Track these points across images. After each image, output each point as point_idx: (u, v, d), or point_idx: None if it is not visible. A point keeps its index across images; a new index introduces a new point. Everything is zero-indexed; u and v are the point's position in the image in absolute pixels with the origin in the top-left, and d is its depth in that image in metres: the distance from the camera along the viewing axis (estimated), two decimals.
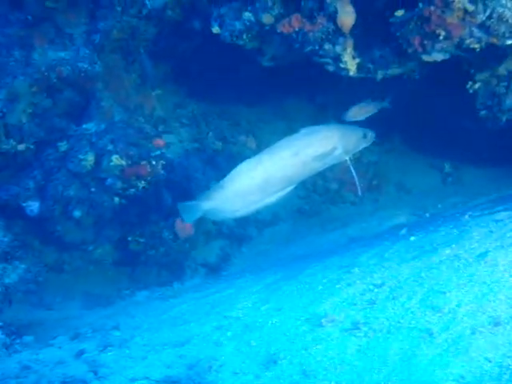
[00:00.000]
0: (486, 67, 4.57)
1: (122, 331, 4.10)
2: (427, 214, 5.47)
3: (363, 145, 3.91)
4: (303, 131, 3.79)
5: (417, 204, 6.15)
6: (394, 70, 4.50)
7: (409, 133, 6.51)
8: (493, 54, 4.40)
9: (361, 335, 3.16)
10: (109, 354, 3.77)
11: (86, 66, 5.41)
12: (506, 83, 4.53)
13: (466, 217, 4.43)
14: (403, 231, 4.63)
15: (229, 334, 3.56)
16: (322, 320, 3.33)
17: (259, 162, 3.67)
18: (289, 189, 3.75)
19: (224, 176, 3.76)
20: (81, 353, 3.85)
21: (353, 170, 3.83)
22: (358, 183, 3.88)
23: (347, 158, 3.83)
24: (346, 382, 2.90)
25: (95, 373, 3.53)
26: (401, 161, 6.71)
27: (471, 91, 4.68)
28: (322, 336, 3.24)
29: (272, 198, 3.74)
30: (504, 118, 4.59)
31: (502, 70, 4.56)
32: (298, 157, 3.66)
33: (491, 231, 3.86)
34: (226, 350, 3.38)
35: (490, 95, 4.62)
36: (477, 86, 4.65)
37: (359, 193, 3.94)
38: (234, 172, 3.69)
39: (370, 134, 3.90)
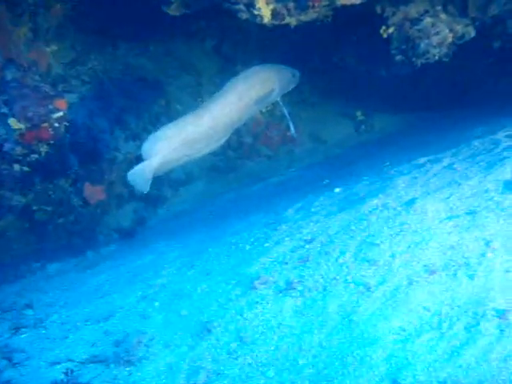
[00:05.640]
0: (399, 10, 4.48)
1: (36, 309, 3.78)
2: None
3: (293, 85, 3.76)
4: (243, 74, 3.61)
5: (332, 153, 6.11)
6: (308, 16, 4.30)
7: (318, 83, 6.42)
8: None
9: (296, 295, 3.03)
10: (22, 336, 3.46)
11: None
12: (418, 26, 4.46)
13: (387, 164, 4.39)
14: (326, 181, 4.54)
15: (156, 304, 3.34)
16: (255, 282, 3.18)
17: (207, 109, 3.47)
18: (229, 134, 3.56)
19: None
20: None
21: (285, 111, 3.68)
22: (291, 124, 3.72)
23: (279, 99, 3.66)
24: (286, 346, 2.78)
25: (9, 359, 3.22)
26: (313, 112, 6.63)
27: (385, 36, 4.59)
28: (256, 299, 3.09)
29: (215, 145, 3.54)
30: (419, 62, 4.51)
31: (413, 12, 4.49)
32: (242, 101, 3.47)
33: (415, 177, 3.82)
34: (155, 322, 3.17)
35: (404, 39, 4.53)
36: (390, 30, 4.55)
37: (293, 134, 3.77)
38: (179, 121, 3.46)
39: (297, 74, 3.75)
